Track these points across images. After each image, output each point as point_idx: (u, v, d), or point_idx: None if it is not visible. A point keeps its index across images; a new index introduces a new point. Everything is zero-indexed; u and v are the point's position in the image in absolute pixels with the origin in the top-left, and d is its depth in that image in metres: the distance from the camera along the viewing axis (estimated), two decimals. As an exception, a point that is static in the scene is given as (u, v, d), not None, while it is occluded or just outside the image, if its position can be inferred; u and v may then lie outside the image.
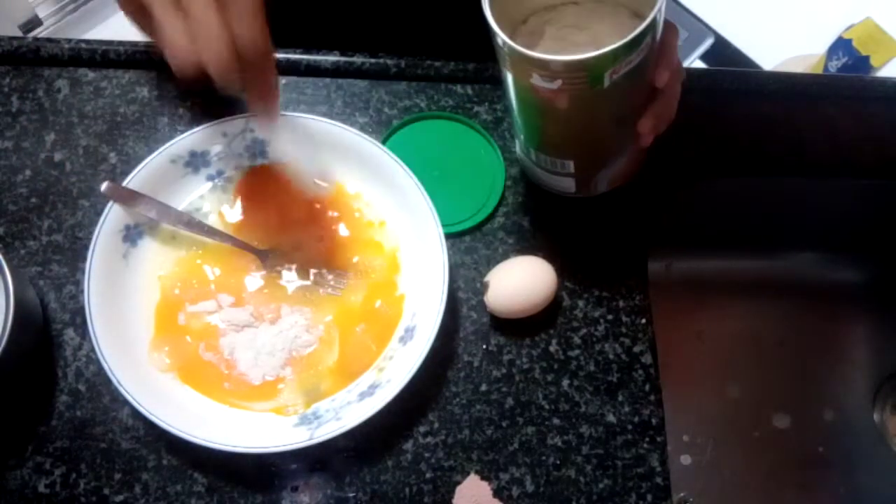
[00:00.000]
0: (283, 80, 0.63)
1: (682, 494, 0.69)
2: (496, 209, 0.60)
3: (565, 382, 0.56)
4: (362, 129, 0.59)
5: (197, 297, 0.54)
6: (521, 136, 0.56)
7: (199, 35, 0.39)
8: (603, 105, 0.48)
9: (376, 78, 0.63)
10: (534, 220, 0.60)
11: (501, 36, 0.44)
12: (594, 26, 0.51)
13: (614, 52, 0.42)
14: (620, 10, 0.51)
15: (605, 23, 0.51)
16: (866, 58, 1.45)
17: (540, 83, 0.45)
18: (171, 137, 0.55)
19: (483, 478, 0.53)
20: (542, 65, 0.43)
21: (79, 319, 0.55)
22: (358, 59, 0.63)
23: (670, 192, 0.63)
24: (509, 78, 0.48)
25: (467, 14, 0.68)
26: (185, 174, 0.56)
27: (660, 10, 0.43)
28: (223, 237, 0.55)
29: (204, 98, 0.62)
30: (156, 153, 0.54)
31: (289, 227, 0.56)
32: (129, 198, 0.53)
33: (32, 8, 1.54)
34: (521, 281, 0.54)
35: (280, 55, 0.62)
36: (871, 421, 0.74)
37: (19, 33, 1.54)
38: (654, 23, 0.42)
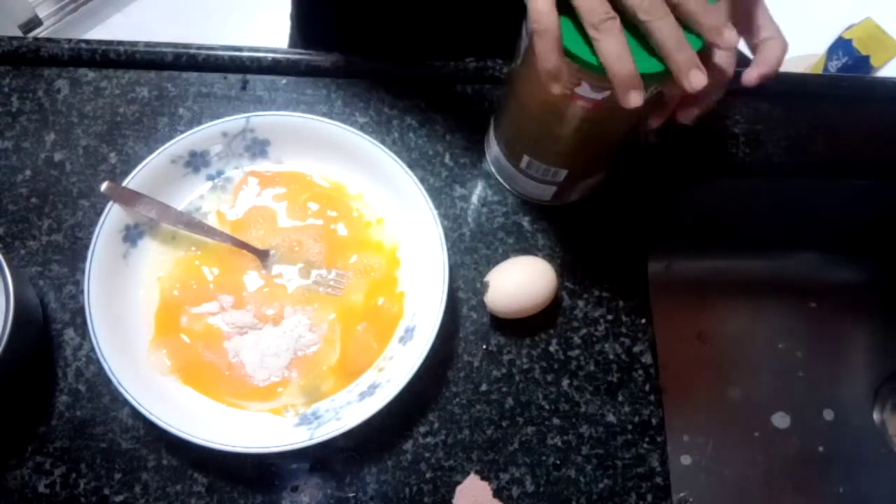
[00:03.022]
0: (282, 80, 0.63)
1: (682, 494, 0.69)
2: (493, 208, 0.60)
3: (565, 382, 0.56)
4: (362, 129, 0.59)
5: (197, 298, 0.54)
6: (516, 144, 0.56)
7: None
8: (630, 119, 0.48)
9: (376, 78, 0.63)
10: (534, 220, 0.60)
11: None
12: None
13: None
14: None
15: None
16: (866, 58, 1.45)
17: (585, 92, 0.44)
18: (171, 137, 0.55)
19: (483, 478, 0.53)
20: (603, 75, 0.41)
21: (79, 319, 0.54)
22: (358, 60, 0.63)
23: (670, 192, 0.63)
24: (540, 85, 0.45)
25: (467, 14, 0.68)
26: (185, 174, 0.56)
27: None
28: (223, 237, 0.55)
29: (203, 98, 0.62)
30: (156, 153, 0.54)
31: (289, 227, 0.57)
32: (129, 198, 0.53)
33: (32, 8, 1.54)
34: (521, 281, 0.54)
35: (280, 55, 0.62)
36: (871, 421, 0.74)
37: (19, 33, 1.54)
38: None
